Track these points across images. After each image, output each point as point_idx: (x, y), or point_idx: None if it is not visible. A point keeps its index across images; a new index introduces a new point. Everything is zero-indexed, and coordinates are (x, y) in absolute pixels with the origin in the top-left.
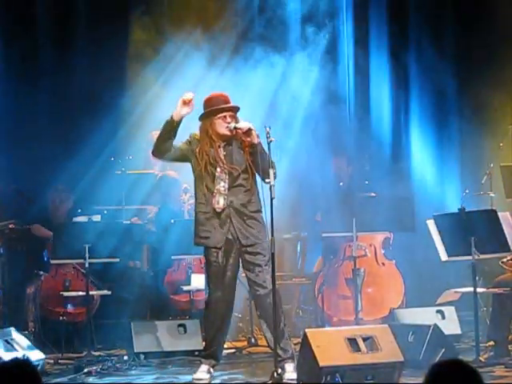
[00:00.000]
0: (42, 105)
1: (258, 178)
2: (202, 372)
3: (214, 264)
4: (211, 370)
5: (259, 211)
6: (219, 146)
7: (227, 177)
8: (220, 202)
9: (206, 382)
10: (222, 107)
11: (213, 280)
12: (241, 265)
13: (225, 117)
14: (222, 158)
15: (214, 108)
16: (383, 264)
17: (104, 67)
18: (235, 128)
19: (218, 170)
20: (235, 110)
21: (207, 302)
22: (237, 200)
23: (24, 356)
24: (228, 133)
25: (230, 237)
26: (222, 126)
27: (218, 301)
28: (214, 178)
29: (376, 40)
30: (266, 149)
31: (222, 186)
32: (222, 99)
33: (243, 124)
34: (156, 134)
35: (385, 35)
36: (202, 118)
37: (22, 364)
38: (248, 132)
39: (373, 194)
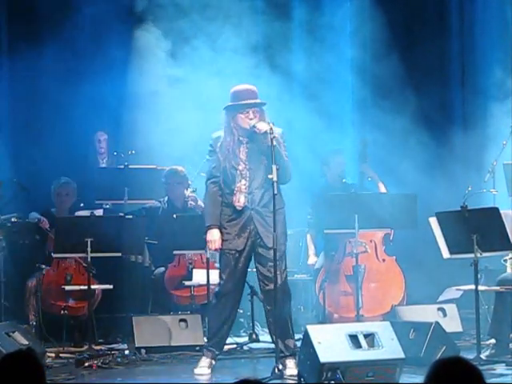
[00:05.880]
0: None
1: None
2: (203, 367)
3: (227, 254)
4: (213, 362)
5: (280, 208)
6: (242, 143)
7: (248, 174)
8: (241, 200)
9: (207, 377)
10: (246, 104)
11: (225, 270)
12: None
13: (248, 112)
14: (244, 155)
15: (239, 103)
16: (384, 260)
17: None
18: (254, 126)
19: (240, 167)
20: (260, 105)
21: (217, 293)
22: (258, 201)
23: (27, 348)
24: (248, 127)
25: (250, 242)
26: (243, 121)
27: (228, 292)
28: (235, 175)
29: None
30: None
31: (244, 183)
32: (249, 93)
33: (261, 125)
34: None
35: None
36: (226, 108)
37: (26, 356)
38: (264, 134)
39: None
